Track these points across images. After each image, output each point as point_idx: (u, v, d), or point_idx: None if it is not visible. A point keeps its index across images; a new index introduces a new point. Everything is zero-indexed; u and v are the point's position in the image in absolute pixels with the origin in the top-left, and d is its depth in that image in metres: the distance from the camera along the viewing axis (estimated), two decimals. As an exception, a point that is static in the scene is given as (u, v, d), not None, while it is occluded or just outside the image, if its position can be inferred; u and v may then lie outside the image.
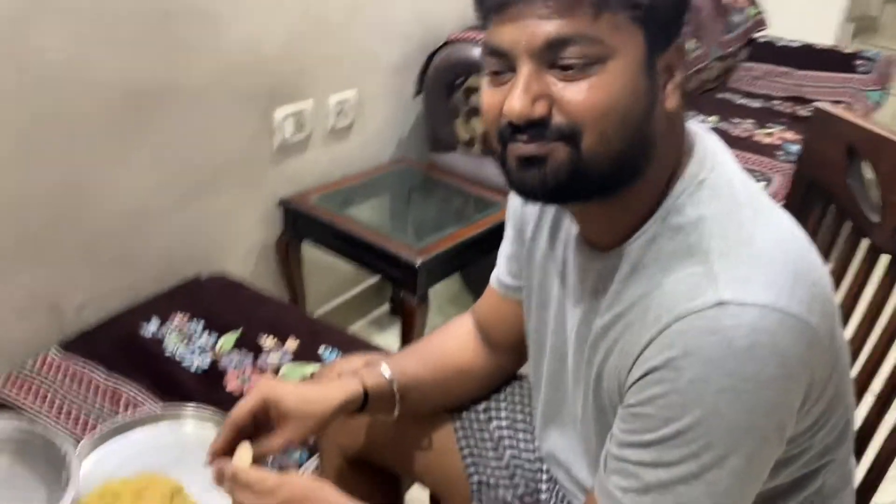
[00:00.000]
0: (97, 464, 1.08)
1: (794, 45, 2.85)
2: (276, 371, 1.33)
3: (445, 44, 1.95)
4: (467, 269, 1.97)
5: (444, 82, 1.94)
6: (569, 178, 0.64)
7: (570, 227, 0.78)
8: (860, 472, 0.88)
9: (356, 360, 0.96)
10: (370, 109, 1.94)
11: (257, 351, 1.37)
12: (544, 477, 0.95)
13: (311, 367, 1.33)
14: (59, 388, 1.25)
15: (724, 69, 2.77)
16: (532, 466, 0.97)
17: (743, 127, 2.36)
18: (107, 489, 1.00)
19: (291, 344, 1.39)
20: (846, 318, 0.92)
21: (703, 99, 2.59)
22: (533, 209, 0.85)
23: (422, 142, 2.11)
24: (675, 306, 0.62)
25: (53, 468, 1.01)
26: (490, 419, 1.00)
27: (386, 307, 2.24)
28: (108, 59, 1.32)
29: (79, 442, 1.09)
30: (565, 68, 0.61)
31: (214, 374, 1.31)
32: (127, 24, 1.33)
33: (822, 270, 0.67)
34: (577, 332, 0.76)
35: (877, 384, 0.90)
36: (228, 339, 1.39)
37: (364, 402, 0.89)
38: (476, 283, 2.24)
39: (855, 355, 0.91)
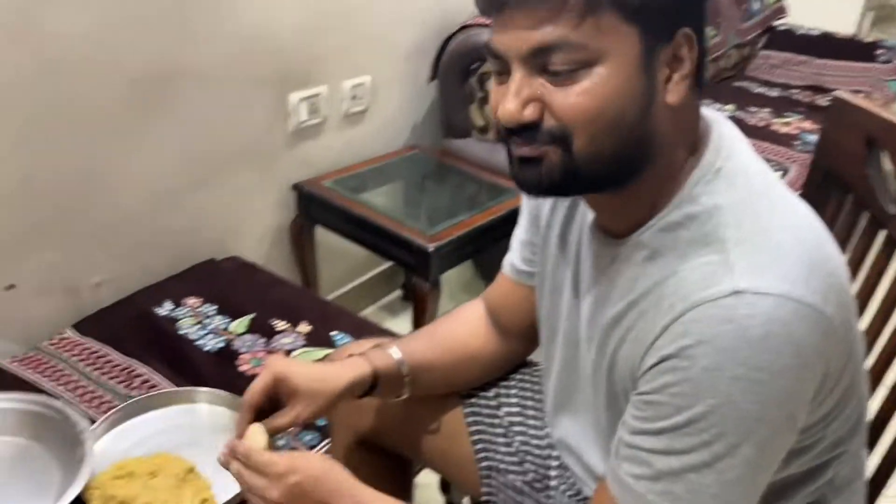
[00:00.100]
0: (112, 443, 1.09)
1: (814, 33, 2.81)
2: (288, 354, 1.33)
3: (461, 29, 1.94)
4: (480, 255, 1.97)
5: (458, 68, 1.93)
6: (562, 178, 0.65)
7: (585, 214, 0.78)
8: (872, 463, 0.87)
9: (367, 344, 0.97)
10: (384, 94, 1.94)
11: (270, 334, 1.38)
12: (554, 463, 0.95)
13: (322, 352, 1.33)
14: (74, 367, 1.26)
15: (741, 57, 2.74)
16: (542, 452, 0.97)
17: (760, 116, 2.34)
18: (121, 468, 1.01)
19: (304, 327, 1.40)
20: (862, 309, 0.91)
21: (720, 87, 2.57)
22: None
23: (436, 128, 2.10)
24: (689, 294, 0.62)
25: (69, 446, 1.03)
26: (500, 405, 1.00)
27: (398, 293, 2.24)
28: (124, 43, 1.33)
29: (94, 421, 1.10)
30: (554, 74, 0.62)
31: (228, 356, 1.32)
32: (142, 8, 1.34)
33: (838, 260, 0.67)
34: (590, 319, 0.76)
35: (891, 376, 0.90)
36: (241, 322, 1.40)
37: (373, 384, 0.89)
38: (488, 270, 2.24)
39: (870, 346, 0.90)
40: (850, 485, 0.78)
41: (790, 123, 2.29)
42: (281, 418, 0.84)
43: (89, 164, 1.35)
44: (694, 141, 0.69)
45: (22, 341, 1.32)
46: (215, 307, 1.43)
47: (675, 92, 0.64)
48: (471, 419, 0.99)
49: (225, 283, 1.52)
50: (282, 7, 1.59)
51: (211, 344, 1.34)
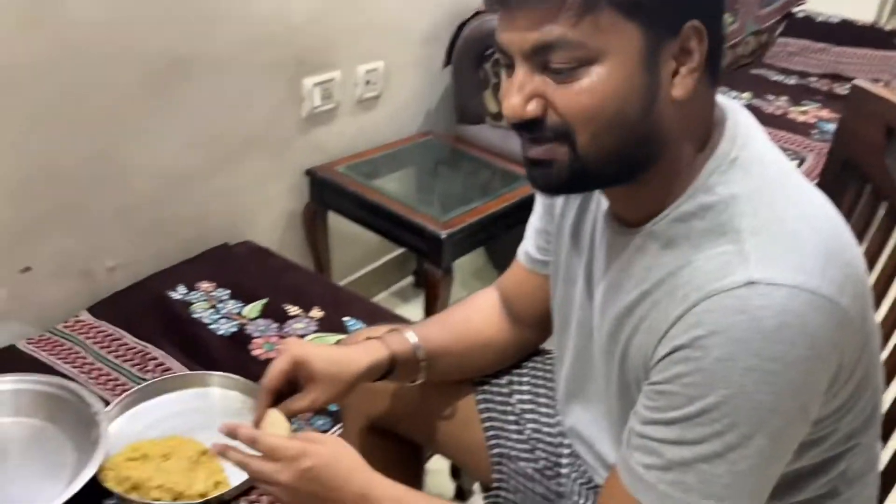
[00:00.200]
0: (125, 425, 1.10)
1: (833, 20, 2.77)
2: (302, 338, 1.34)
3: (475, 14, 1.92)
4: (492, 242, 1.97)
5: (473, 53, 1.92)
6: (570, 177, 0.66)
7: (599, 203, 0.77)
8: (886, 455, 0.87)
9: (381, 330, 0.97)
10: (398, 80, 1.93)
11: (283, 319, 1.38)
12: (566, 451, 0.96)
13: (335, 338, 1.34)
14: (89, 350, 1.27)
15: (759, 44, 2.71)
16: (553, 440, 0.97)
17: (777, 104, 2.32)
18: (135, 450, 1.02)
19: (316, 313, 1.41)
20: (878, 300, 0.90)
21: (737, 75, 2.54)
22: None
23: (449, 114, 2.09)
24: (704, 284, 0.61)
25: (83, 427, 1.04)
26: (512, 392, 1.00)
27: (410, 279, 2.25)
28: (140, 28, 1.33)
29: (107, 403, 1.11)
30: (556, 71, 0.62)
31: (241, 340, 1.33)
32: (157, -7, 1.34)
33: (855, 251, 0.66)
34: (603, 308, 0.76)
35: (906, 369, 0.89)
36: (255, 307, 1.41)
37: (390, 368, 0.89)
38: (501, 257, 2.24)
39: (886, 338, 0.90)
40: (863, 477, 0.77)
41: (807, 112, 2.27)
42: (299, 402, 0.84)
43: (105, 149, 1.36)
44: (706, 131, 0.68)
45: (37, 323, 1.33)
46: (228, 292, 1.44)
47: (681, 86, 0.63)
48: (483, 406, 1.00)
49: (238, 267, 1.52)
50: (296, -8, 1.59)
51: (224, 328, 1.35)
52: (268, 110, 1.64)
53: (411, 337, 0.92)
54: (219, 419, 1.11)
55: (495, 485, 0.98)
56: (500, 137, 1.93)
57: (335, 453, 0.77)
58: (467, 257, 1.89)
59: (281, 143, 1.71)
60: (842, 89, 2.40)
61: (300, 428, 1.14)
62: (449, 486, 1.52)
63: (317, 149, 1.78)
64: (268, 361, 1.26)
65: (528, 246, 0.95)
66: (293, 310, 1.41)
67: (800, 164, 1.95)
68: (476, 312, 1.00)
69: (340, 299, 1.46)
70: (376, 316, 1.40)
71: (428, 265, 1.63)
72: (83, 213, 1.37)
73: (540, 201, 0.92)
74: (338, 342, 1.30)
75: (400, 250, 2.15)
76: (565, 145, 0.64)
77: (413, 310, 2.05)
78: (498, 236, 1.75)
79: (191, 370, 1.23)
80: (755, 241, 0.61)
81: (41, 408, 1.09)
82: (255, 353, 1.30)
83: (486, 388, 1.01)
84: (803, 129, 2.16)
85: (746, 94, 2.36)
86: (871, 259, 0.95)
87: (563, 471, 0.95)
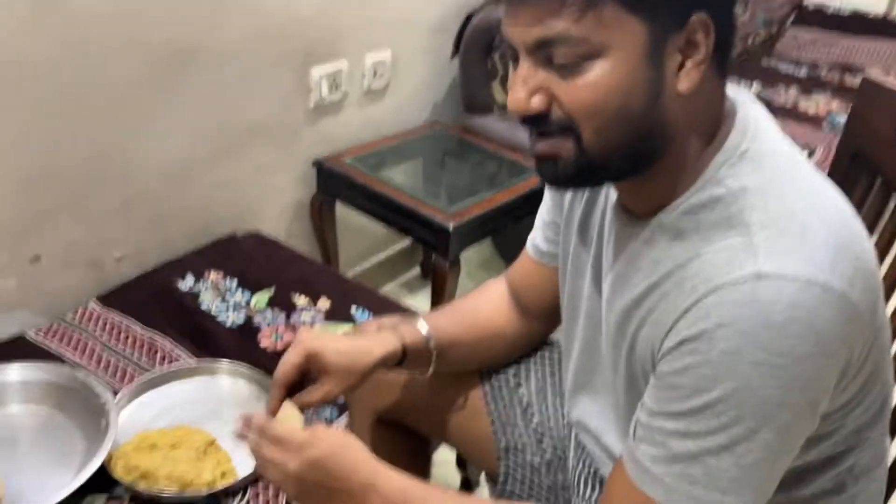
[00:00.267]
0: (133, 414, 1.11)
1: (845, 11, 2.75)
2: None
3: (483, 5, 1.92)
4: (499, 234, 1.97)
5: (481, 44, 1.91)
6: (577, 172, 0.66)
7: (608, 194, 0.77)
8: (894, 450, 0.86)
9: (392, 320, 0.97)
10: (406, 71, 1.92)
11: (290, 309, 1.39)
12: (572, 443, 0.96)
13: (343, 327, 1.34)
14: (97, 340, 1.28)
15: (769, 35, 2.69)
16: (560, 432, 0.97)
17: (787, 95, 2.30)
18: (144, 439, 1.03)
19: (324, 303, 1.41)
20: (889, 294, 0.90)
21: (747, 66, 2.52)
22: None
23: (457, 104, 2.09)
24: (712, 277, 0.61)
25: (92, 416, 1.05)
26: (519, 384, 1.00)
27: (417, 270, 2.25)
28: (147, 19, 1.33)
29: (116, 392, 1.12)
30: (560, 66, 0.62)
31: (248, 331, 1.33)
32: (165, -19, 1.33)
33: (866, 244, 0.65)
34: (611, 300, 0.75)
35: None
36: (262, 297, 1.41)
37: (401, 358, 0.90)
38: (508, 249, 2.24)
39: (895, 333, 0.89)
40: (871, 472, 0.77)
41: (818, 104, 2.25)
42: (313, 394, 0.84)
43: (112, 140, 1.36)
44: (715, 124, 0.68)
45: (46, 313, 1.34)
46: (235, 282, 1.44)
47: (687, 79, 0.63)
48: (489, 397, 1.00)
49: (246, 258, 1.53)
50: (304, -19, 1.58)
51: (232, 318, 1.35)
52: (275, 101, 1.64)
53: (423, 327, 0.92)
54: (226, 409, 1.13)
55: (502, 476, 0.98)
56: (508, 128, 1.93)
57: (342, 444, 0.77)
58: (474, 248, 1.88)
59: (288, 134, 1.71)
60: (852, 81, 2.38)
61: (310, 419, 1.15)
62: (455, 477, 1.53)
63: (324, 139, 1.78)
64: (275, 351, 1.28)
65: (537, 238, 0.95)
66: (301, 300, 1.41)
67: (809, 156, 1.94)
68: (485, 303, 1.00)
69: (348, 290, 1.46)
70: (383, 307, 1.40)
71: (435, 256, 1.63)
72: (91, 204, 1.37)
73: (549, 193, 0.91)
74: (346, 332, 1.31)
75: (407, 241, 2.15)
76: (570, 140, 0.64)
77: (420, 301, 2.05)
78: (505, 227, 1.75)
79: (199, 360, 1.23)
80: (765, 234, 0.61)
81: (50, 396, 1.10)
82: (263, 343, 1.31)
83: (493, 379, 1.01)
84: (813, 120, 2.14)
85: (756, 86, 2.35)
86: (882, 252, 0.94)
87: (570, 462, 0.95)
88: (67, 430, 1.06)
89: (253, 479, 1.02)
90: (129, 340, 1.28)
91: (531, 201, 0.96)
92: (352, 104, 1.82)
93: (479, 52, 1.92)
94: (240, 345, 1.29)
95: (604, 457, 0.87)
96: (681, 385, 0.62)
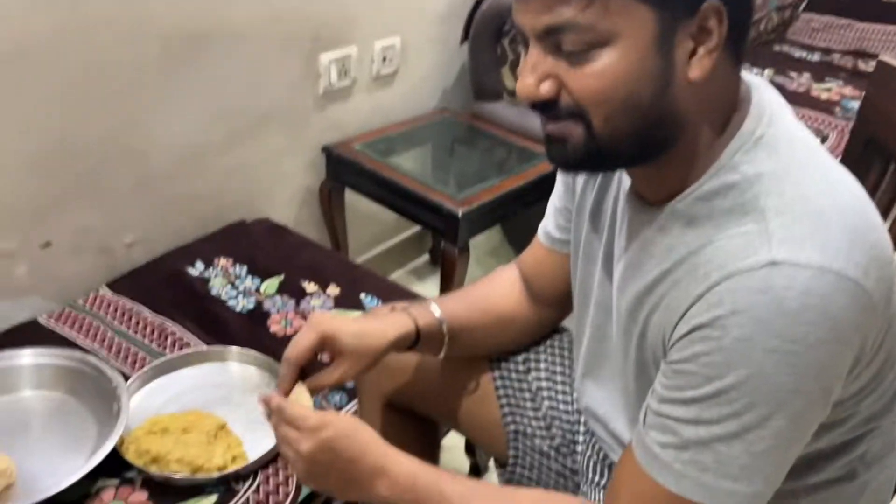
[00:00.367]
0: (145, 399, 1.12)
1: (859, -4, 2.71)
2: (318, 316, 1.35)
3: (493, -10, 1.90)
4: (508, 220, 1.96)
5: (490, 29, 1.90)
6: (586, 155, 0.66)
7: (622, 181, 0.77)
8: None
9: (403, 304, 0.97)
10: (415, 56, 1.92)
11: (300, 296, 1.39)
12: (581, 429, 0.96)
13: (354, 314, 1.34)
14: (108, 325, 1.29)
15: (782, 20, 2.66)
16: (569, 418, 0.97)
17: (800, 81, 2.28)
18: (155, 423, 1.04)
19: (333, 290, 1.41)
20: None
21: (759, 51, 2.50)
22: None
23: (466, 91, 2.08)
24: (726, 264, 0.61)
25: (104, 400, 1.05)
26: (529, 370, 1.01)
27: (426, 257, 2.25)
28: (157, 2, 1.32)
29: (127, 377, 1.12)
30: (568, 54, 0.62)
31: (258, 316, 1.33)
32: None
33: (881, 232, 0.65)
34: (622, 286, 0.75)
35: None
36: (271, 283, 1.41)
37: (415, 341, 0.90)
38: (517, 235, 2.24)
39: (908, 320, 0.89)
40: (882, 460, 0.77)
41: (831, 89, 2.23)
42: (327, 377, 0.85)
43: (122, 126, 1.36)
44: (729, 110, 0.67)
45: (58, 298, 1.34)
46: (245, 268, 1.45)
47: (698, 67, 0.62)
48: (499, 383, 1.00)
49: (255, 244, 1.53)
50: (313, -34, 1.57)
51: (242, 304, 1.36)
52: (284, 86, 1.64)
53: (436, 310, 0.92)
54: (237, 394, 1.13)
55: (511, 461, 0.98)
56: (518, 114, 1.92)
57: (354, 427, 0.77)
58: (483, 235, 1.88)
59: (297, 120, 1.70)
60: (866, 66, 2.35)
61: (318, 403, 1.15)
62: (464, 463, 1.53)
63: (333, 125, 1.78)
64: (285, 337, 1.28)
65: (549, 224, 0.94)
66: (310, 286, 1.41)
67: (822, 142, 1.92)
68: (497, 288, 1.00)
69: (357, 276, 1.46)
70: (392, 293, 1.40)
71: (444, 243, 1.62)
72: (101, 190, 1.37)
73: (561, 180, 0.91)
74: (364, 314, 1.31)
75: (416, 228, 2.15)
76: (580, 125, 0.64)
77: (429, 288, 2.05)
78: (514, 214, 1.74)
79: (208, 346, 1.24)
80: (779, 221, 0.61)
81: (62, 381, 1.11)
82: (273, 329, 1.31)
83: (502, 365, 1.01)
84: (826, 106, 2.12)
85: (768, 71, 2.33)
86: None
87: (579, 448, 0.96)
88: (80, 414, 1.07)
89: (263, 464, 1.03)
90: (140, 326, 1.29)
91: (541, 188, 0.95)
92: (361, 90, 1.82)
93: (488, 38, 1.91)
94: (250, 331, 1.30)
95: (613, 443, 0.87)
96: (692, 372, 0.62)
